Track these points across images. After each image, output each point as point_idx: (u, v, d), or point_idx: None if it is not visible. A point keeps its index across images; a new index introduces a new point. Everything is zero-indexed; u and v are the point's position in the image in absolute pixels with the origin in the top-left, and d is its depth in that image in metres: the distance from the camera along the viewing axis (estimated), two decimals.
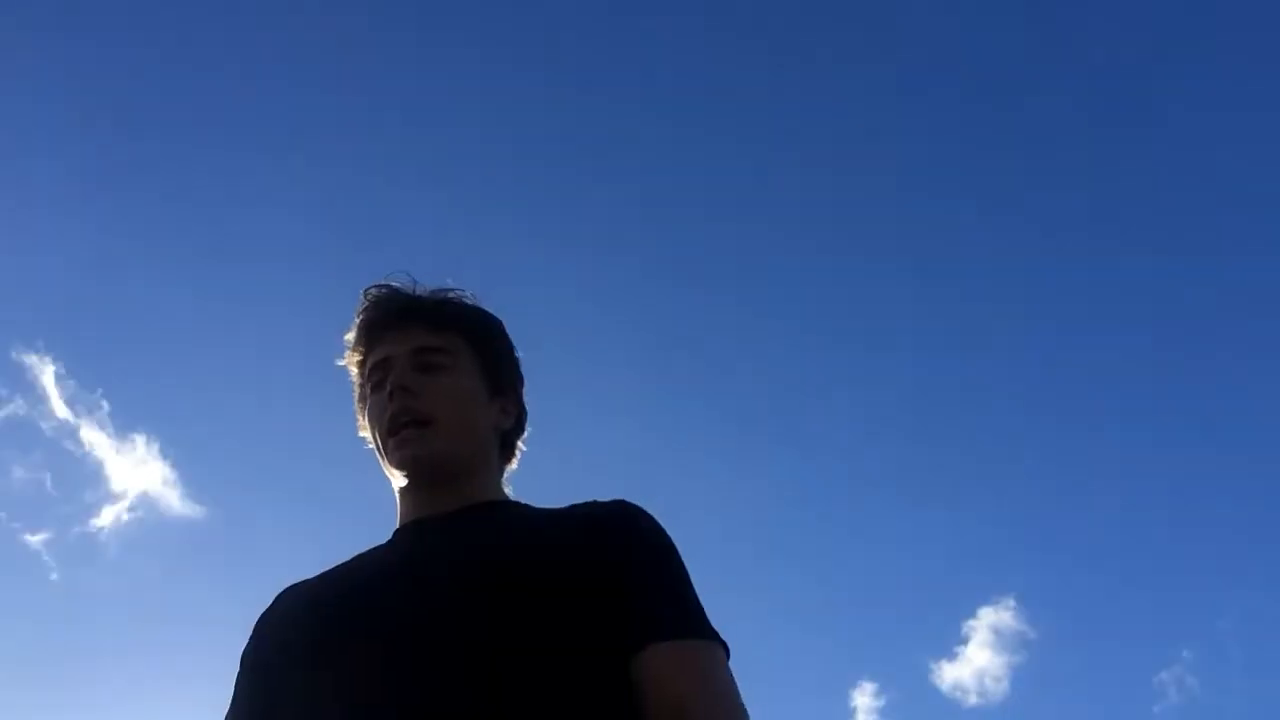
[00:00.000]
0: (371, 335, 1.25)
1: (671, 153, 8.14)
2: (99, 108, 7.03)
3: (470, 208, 7.83)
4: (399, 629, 1.01)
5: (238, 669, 1.14)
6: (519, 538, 1.12)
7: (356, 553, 1.21)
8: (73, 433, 7.23)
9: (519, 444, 1.33)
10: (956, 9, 7.96)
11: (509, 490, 1.30)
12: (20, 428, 7.22)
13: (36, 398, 7.09)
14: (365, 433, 1.26)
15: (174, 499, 7.40)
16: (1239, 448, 8.41)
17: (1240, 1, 7.50)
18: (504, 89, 7.73)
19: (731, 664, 1.05)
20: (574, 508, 1.17)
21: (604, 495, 1.18)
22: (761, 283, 8.48)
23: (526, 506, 1.24)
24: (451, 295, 1.29)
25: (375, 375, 1.22)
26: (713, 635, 1.06)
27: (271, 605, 1.19)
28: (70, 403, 7.11)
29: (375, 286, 1.27)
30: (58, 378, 7.06)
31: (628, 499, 1.17)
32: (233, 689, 1.13)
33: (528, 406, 1.34)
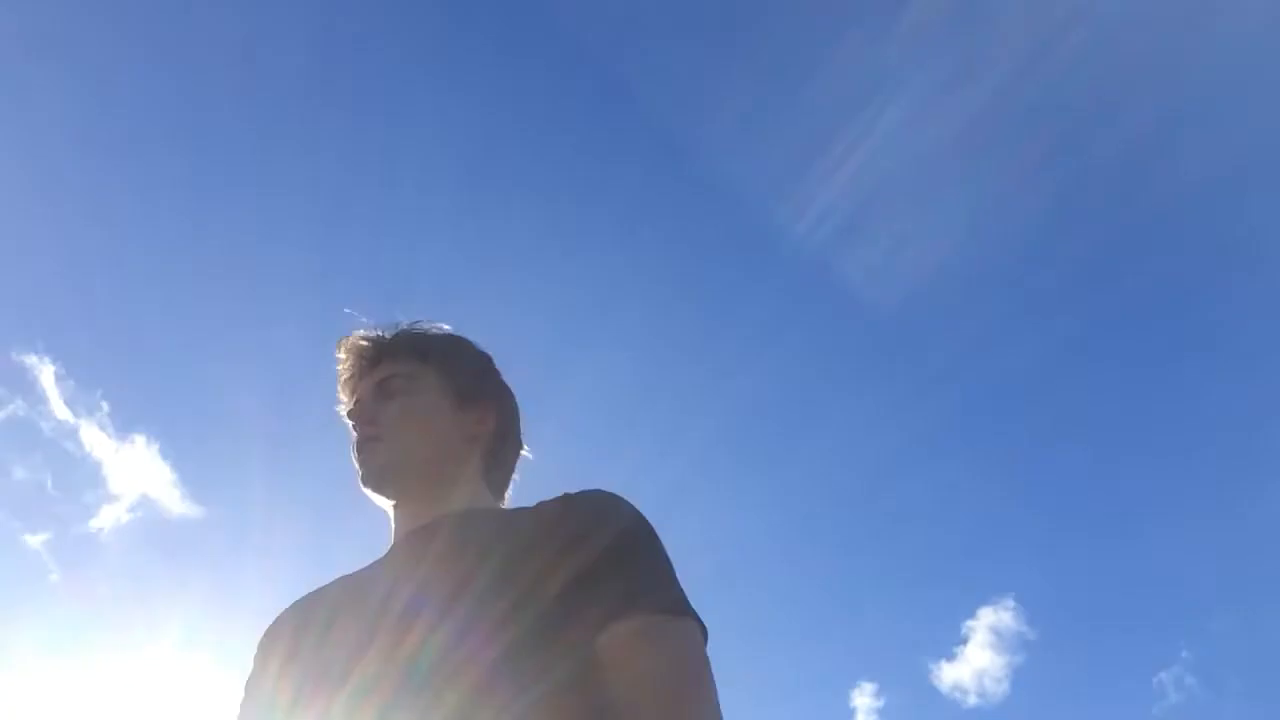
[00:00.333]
0: (346, 387, 1.37)
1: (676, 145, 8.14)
2: (99, 107, 7.03)
3: (484, 210, 7.83)
4: (352, 673, 1.07)
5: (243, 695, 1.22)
6: (479, 545, 1.13)
7: (357, 562, 1.26)
8: (73, 433, 7.25)
9: (516, 450, 1.38)
10: None
11: (498, 496, 1.33)
12: (20, 428, 7.23)
13: (36, 398, 7.10)
14: None
15: (174, 499, 7.41)
16: (1239, 448, 8.42)
17: None
18: (504, 90, 7.73)
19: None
20: (541, 505, 1.18)
21: None
22: (762, 282, 8.48)
23: (499, 511, 1.28)
24: (414, 327, 1.38)
25: (352, 418, 1.31)
26: (677, 609, 1.05)
27: (265, 634, 1.25)
28: (70, 403, 7.13)
29: (343, 341, 1.37)
30: (58, 378, 7.07)
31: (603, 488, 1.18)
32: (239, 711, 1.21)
33: (530, 411, 1.39)
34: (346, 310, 1.40)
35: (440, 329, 1.39)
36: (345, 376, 1.37)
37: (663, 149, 8.07)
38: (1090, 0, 7.26)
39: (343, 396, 1.37)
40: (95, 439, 7.27)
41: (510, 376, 1.42)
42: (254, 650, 1.24)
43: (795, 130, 7.76)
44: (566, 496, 1.16)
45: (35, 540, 7.12)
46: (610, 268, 8.22)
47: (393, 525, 1.28)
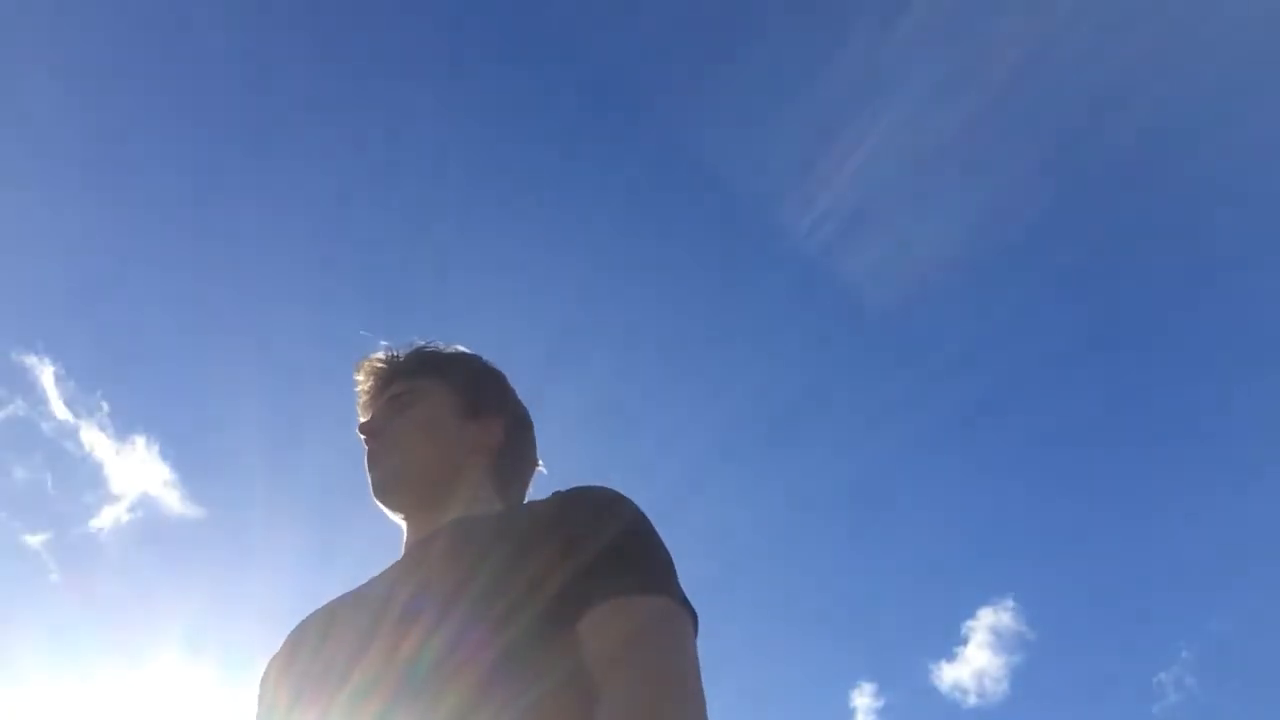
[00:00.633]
0: (363, 406, 1.41)
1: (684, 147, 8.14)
2: (100, 107, 7.04)
3: (485, 210, 7.84)
4: (347, 682, 1.08)
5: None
6: (476, 548, 1.13)
7: (355, 562, 1.32)
8: (73, 433, 7.25)
9: (528, 463, 1.39)
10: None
11: (506, 501, 1.32)
12: (20, 428, 7.23)
13: (36, 398, 7.10)
14: None
15: (174, 500, 7.41)
16: (1239, 448, 8.42)
17: None
18: (503, 88, 7.74)
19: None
20: (533, 504, 1.18)
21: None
22: (762, 282, 8.49)
23: (496, 513, 1.26)
24: (423, 347, 1.42)
25: (363, 433, 1.35)
26: (649, 588, 1.02)
27: (280, 651, 1.25)
28: (70, 404, 7.13)
29: (360, 363, 1.42)
30: (58, 378, 7.07)
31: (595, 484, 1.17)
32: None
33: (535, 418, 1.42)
34: (363, 332, 1.47)
35: (453, 348, 1.43)
36: (363, 399, 1.41)
37: (664, 149, 8.08)
38: (1090, 0, 7.26)
39: (360, 416, 1.40)
40: (95, 439, 7.28)
41: (512, 377, 1.43)
42: (257, 661, 1.26)
43: (796, 130, 7.77)
44: (559, 494, 1.15)
45: (35, 540, 7.13)
46: (611, 268, 8.23)
47: (404, 539, 1.29)
